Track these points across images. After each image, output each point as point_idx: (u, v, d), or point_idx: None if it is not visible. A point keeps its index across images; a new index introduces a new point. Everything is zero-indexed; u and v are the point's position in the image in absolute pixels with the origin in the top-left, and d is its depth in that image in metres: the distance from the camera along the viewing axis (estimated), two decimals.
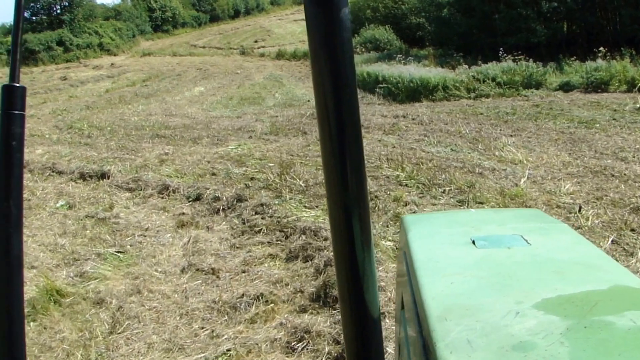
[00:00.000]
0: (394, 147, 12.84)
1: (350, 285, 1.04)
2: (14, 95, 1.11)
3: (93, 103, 26.48)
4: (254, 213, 8.36)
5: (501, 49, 22.26)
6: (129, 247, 7.68)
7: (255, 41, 55.59)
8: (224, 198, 9.19)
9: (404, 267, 2.14)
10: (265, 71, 35.90)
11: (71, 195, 10.75)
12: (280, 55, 42.20)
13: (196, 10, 75.07)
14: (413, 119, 16.26)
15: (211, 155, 13.23)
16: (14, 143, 1.09)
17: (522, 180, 9.37)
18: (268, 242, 7.38)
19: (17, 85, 1.11)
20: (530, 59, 21.07)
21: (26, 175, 12.40)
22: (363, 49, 34.01)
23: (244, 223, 8.15)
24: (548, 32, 24.98)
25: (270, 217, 8.10)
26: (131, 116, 21.98)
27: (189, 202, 9.62)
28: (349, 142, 0.91)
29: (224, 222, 8.37)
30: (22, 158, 1.12)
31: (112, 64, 44.95)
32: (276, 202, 8.67)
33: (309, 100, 23.00)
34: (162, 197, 10.09)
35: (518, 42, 24.21)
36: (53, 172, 12.76)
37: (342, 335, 3.18)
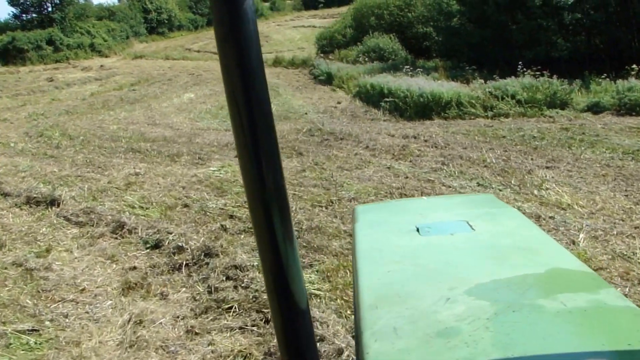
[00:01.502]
0: (407, 177, 10.73)
1: (276, 278, 1.07)
2: None
3: (74, 107, 24.32)
4: (224, 278, 6.15)
5: (520, 62, 20.14)
6: (48, 323, 5.53)
7: None
8: (189, 249, 7.04)
9: (354, 257, 2.18)
10: None
11: (6, 228, 8.63)
12: (277, 62, 39.99)
13: (193, 13, 72.92)
14: (425, 141, 14.13)
15: (188, 179, 11.12)
16: None
17: (580, 236, 7.24)
18: (240, 328, 5.21)
19: None
20: (554, 76, 18.98)
21: None
22: (366, 59, 31.85)
23: (210, 292, 5.95)
24: (570, 46, 22.90)
25: (246, 287, 5.90)
26: (110, 124, 19.82)
27: (146, 249, 7.48)
28: (261, 134, 0.95)
29: (184, 289, 6.19)
30: None
31: (101, 65, 42.75)
32: (256, 264, 6.47)
33: (306, 113, 20.84)
34: (115, 238, 7.96)
35: (537, 56, 22.09)
36: None
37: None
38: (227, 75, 0.93)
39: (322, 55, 38.75)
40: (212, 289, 5.97)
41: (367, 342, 1.36)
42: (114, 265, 7.03)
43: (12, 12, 57.04)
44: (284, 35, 58.84)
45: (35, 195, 10.00)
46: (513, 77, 19.61)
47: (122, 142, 15.84)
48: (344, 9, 56.92)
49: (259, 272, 6.16)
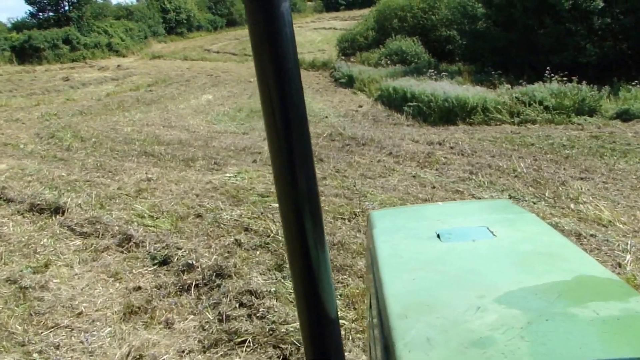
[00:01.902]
0: (434, 187, 10.04)
1: (306, 285, 1.04)
2: None
3: (88, 108, 23.80)
4: (237, 304, 5.46)
5: (548, 68, 19.33)
6: (36, 355, 4.90)
7: None
8: (200, 267, 6.38)
9: (370, 263, 2.20)
10: None
11: (5, 238, 8.03)
12: None
13: (212, 14, 72.51)
14: (451, 148, 13.43)
15: (202, 185, 10.49)
16: None
17: (627, 258, 6.52)
18: None
19: None
20: (583, 81, 18.17)
21: None
22: (388, 62, 31.11)
23: (220, 320, 5.27)
24: (599, 51, 22.03)
25: (262, 318, 5.20)
26: (125, 126, 19.24)
27: (153, 265, 6.83)
28: (296, 138, 0.95)
29: (191, 315, 5.52)
30: None
31: (118, 65, 42.31)
32: (273, 290, 5.78)
33: (326, 117, 20.18)
34: (121, 252, 7.33)
35: (563, 61, 21.25)
36: (0, 199, 10.05)
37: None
38: (263, 78, 0.90)
39: (343, 57, 38.16)
40: (224, 317, 5.28)
41: (401, 353, 1.34)
42: (117, 284, 6.39)
43: (29, 10, 57.04)
44: (305, 37, 58.16)
45: (39, 202, 9.41)
46: (540, 82, 18.86)
47: (136, 145, 15.26)
48: (365, 11, 56.32)
49: (276, 300, 5.48)
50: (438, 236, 2.08)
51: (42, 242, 7.86)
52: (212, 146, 14.94)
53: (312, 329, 1.08)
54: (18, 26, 53.41)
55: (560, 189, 9.65)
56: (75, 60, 46.59)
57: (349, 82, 29.23)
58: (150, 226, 8.29)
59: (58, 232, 8.26)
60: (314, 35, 58.70)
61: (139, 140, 15.94)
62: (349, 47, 39.69)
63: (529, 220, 2.27)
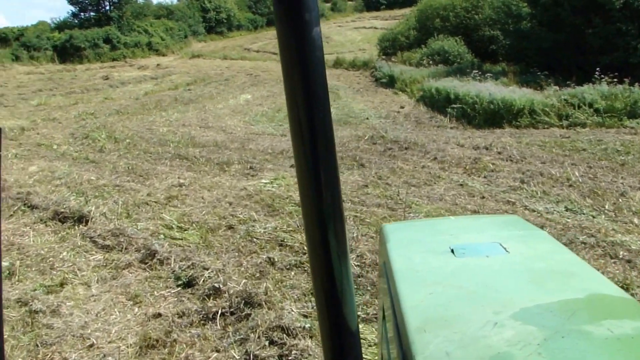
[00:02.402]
0: (483, 197, 9.24)
1: (328, 298, 1.04)
2: None
3: (126, 107, 23.32)
4: (267, 342, 4.73)
5: (598, 69, 18.25)
6: None
7: None
8: (227, 293, 5.66)
9: (384, 276, 2.22)
10: None
11: (23, 250, 7.45)
12: (338, 64, 38.50)
13: (252, 13, 71.91)
14: (499, 153, 12.55)
15: (236, 192, 9.82)
16: None
17: None
18: None
19: None
20: (635, 83, 17.06)
21: None
22: (430, 62, 30.18)
23: None
24: None
25: None
26: (161, 126, 18.67)
27: (177, 287, 6.15)
28: (322, 157, 0.94)
29: (215, 353, 4.76)
30: (0, 194, 1.13)
31: (158, 64, 41.91)
32: (307, 326, 4.99)
33: (367, 118, 19.37)
34: (144, 269, 6.69)
35: (613, 62, 20.11)
36: (25, 205, 9.51)
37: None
38: (292, 99, 0.91)
39: (384, 57, 37.30)
40: (251, 357, 4.57)
41: None
42: (136, 309, 5.72)
43: (71, 10, 57.17)
44: (345, 36, 57.51)
45: (63, 210, 8.83)
46: (589, 84, 17.83)
47: (170, 147, 14.66)
48: (406, 11, 55.55)
49: (311, 339, 4.72)
50: (452, 251, 2.09)
51: (61, 256, 7.25)
52: (249, 149, 14.28)
53: (333, 341, 1.07)
54: (60, 26, 53.49)
55: (621, 200, 8.78)
56: (115, 59, 46.44)
57: (390, 82, 28.40)
58: (178, 239, 7.64)
59: (79, 244, 7.66)
60: (355, 35, 58.01)
61: (173, 142, 15.34)
62: (390, 47, 38.79)
63: (541, 237, 2.29)
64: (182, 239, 7.64)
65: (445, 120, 18.12)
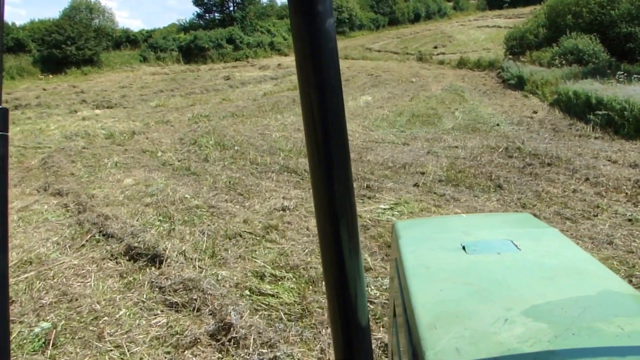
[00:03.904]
0: None
1: (339, 293, 1.02)
2: None
3: (242, 109, 21.74)
4: None
5: None
6: None
7: (435, 47, 49.37)
8: None
9: (395, 273, 2.17)
10: (444, 81, 29.52)
11: (73, 305, 5.65)
12: (461, 64, 35.79)
13: (374, 13, 69.79)
14: None
15: None
16: None
17: None
18: None
19: None
20: None
21: (59, 234, 7.62)
22: (562, 61, 26.99)
23: None
24: None
25: None
26: (274, 130, 16.82)
27: None
28: (335, 151, 0.91)
29: None
30: (6, 179, 1.03)
31: (279, 64, 40.58)
32: None
33: (498, 125, 16.74)
34: (212, 350, 4.65)
35: None
36: (100, 233, 7.79)
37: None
38: (306, 91, 0.88)
39: (510, 56, 34.23)
40: None
41: None
42: None
43: (196, 11, 57.12)
44: (468, 35, 54.53)
45: (137, 245, 7.01)
46: None
47: (280, 157, 12.73)
48: (530, 9, 52.50)
49: None
50: (463, 248, 2.04)
51: (118, 315, 5.39)
52: (367, 160, 12.11)
53: (343, 335, 1.02)
54: (185, 27, 53.41)
55: None
56: (238, 59, 45.75)
57: (519, 83, 25.54)
58: (267, 295, 5.60)
59: (145, 296, 5.77)
60: (478, 34, 55.09)
61: (284, 151, 13.39)
62: (518, 46, 35.58)
63: (552, 235, 2.23)
64: (273, 296, 5.60)
65: (587, 129, 15.20)
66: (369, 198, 9.13)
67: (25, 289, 6.17)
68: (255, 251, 6.85)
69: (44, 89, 31.46)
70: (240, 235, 7.41)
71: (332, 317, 1.04)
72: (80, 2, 45.30)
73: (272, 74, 34.84)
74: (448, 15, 78.44)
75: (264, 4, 59.22)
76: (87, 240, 7.58)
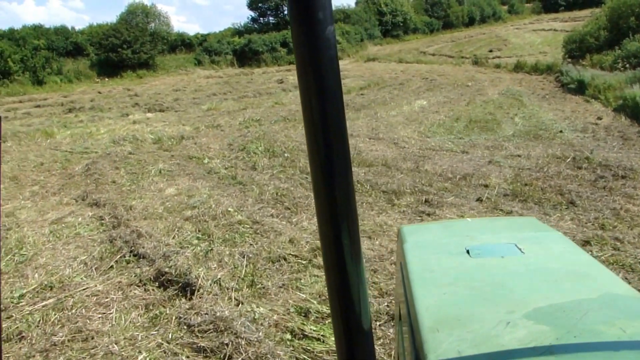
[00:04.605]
0: None
1: (341, 298, 1.02)
2: None
3: (294, 113, 20.79)
4: None
5: None
6: None
7: (490, 50, 47.75)
8: None
9: (400, 277, 2.16)
10: (500, 85, 28.02)
11: (90, 345, 4.77)
12: (518, 67, 34.11)
13: (429, 16, 68.25)
14: None
15: None
16: None
17: None
18: None
19: None
20: None
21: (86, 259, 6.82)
22: (626, 65, 25.29)
23: None
24: None
25: None
26: None
27: None
28: (336, 156, 0.91)
29: None
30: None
31: None
32: None
33: (561, 131, 15.38)
34: None
35: None
36: (131, 253, 6.94)
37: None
38: (306, 98, 0.89)
39: (569, 60, 32.52)
40: None
41: None
42: None
43: (251, 15, 56.63)
44: (523, 39, 52.72)
45: (168, 270, 6.11)
46: None
47: None
48: (586, 12, 50.53)
49: None
50: (467, 252, 2.02)
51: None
52: (424, 170, 11.01)
53: (346, 339, 1.03)
54: (240, 31, 52.90)
55: None
56: (291, 62, 44.95)
57: (579, 88, 23.91)
58: (312, 340, 4.62)
59: (170, 336, 4.86)
60: (533, 37, 53.26)
61: None
62: (577, 49, 33.76)
63: (556, 239, 2.20)
64: (318, 340, 4.62)
65: None
66: (428, 215, 8.08)
67: (40, 321, 5.34)
68: (301, 279, 5.89)
69: (99, 92, 31.22)
70: (285, 259, 6.46)
71: (335, 320, 1.02)
72: (136, 6, 45.30)
73: None
74: (503, 18, 76.41)
75: None
76: (116, 261, 6.73)
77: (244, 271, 6.08)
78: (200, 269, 6.01)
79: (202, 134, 16.98)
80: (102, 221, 8.52)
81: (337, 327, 1.04)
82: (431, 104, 22.33)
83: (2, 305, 5.33)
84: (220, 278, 5.83)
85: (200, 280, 5.74)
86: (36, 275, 6.52)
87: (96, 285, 6.10)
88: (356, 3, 65.61)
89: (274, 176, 11.11)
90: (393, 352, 2.69)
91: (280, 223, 7.98)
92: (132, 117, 21.27)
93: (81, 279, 6.34)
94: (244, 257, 6.45)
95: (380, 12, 60.65)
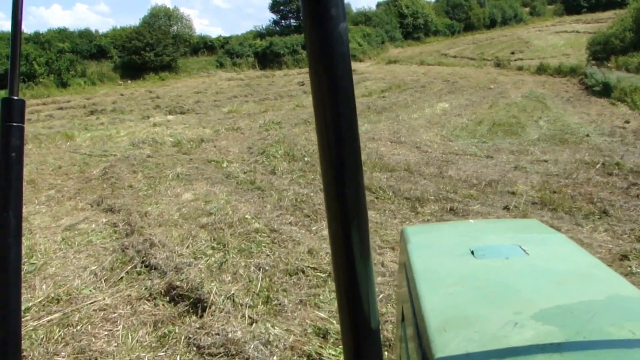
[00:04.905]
0: None
1: (349, 296, 0.98)
2: (13, 108, 1.04)
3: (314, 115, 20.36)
4: None
5: None
6: None
7: (512, 53, 47.00)
8: None
9: (404, 278, 2.13)
10: (523, 87, 27.41)
11: None
12: (541, 70, 33.42)
13: (450, 19, 67.52)
14: None
15: None
16: (13, 155, 1.03)
17: None
18: None
19: (16, 98, 1.04)
20: None
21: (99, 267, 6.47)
22: None
23: None
24: None
25: None
26: None
27: None
28: (347, 154, 0.89)
29: None
30: (22, 169, 1.03)
31: (353, 70, 38.94)
32: None
33: (587, 135, 14.79)
34: None
35: None
36: (143, 264, 6.58)
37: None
38: (318, 95, 0.85)
39: (594, 62, 31.81)
40: None
41: None
42: None
43: (273, 18, 56.37)
44: (546, 41, 51.82)
45: (179, 284, 5.73)
46: None
47: None
48: (609, 14, 49.68)
49: None
50: (472, 253, 1.99)
51: None
52: (448, 176, 10.55)
53: (354, 338, 0.98)
54: (262, 34, 52.67)
55: None
56: None
57: (605, 90, 23.28)
58: None
59: (178, 358, 4.46)
60: (556, 39, 52.32)
61: None
62: (601, 51, 33.05)
63: (560, 240, 2.16)
64: None
65: None
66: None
67: (43, 338, 4.97)
68: (319, 295, 5.47)
69: (122, 94, 31.05)
70: (303, 272, 6.05)
71: (342, 319, 0.99)
72: (159, 9, 45.20)
73: None
74: (524, 20, 75.38)
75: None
76: (127, 272, 6.37)
77: (259, 285, 5.68)
78: (212, 284, 5.62)
79: (222, 137, 16.63)
80: (116, 228, 8.17)
81: (344, 326, 1.01)
82: (453, 107, 21.82)
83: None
84: (233, 294, 5.43)
85: (212, 295, 5.34)
86: (44, 286, 6.18)
87: (104, 299, 5.74)
88: (377, 5, 65.15)
89: (293, 181, 10.71)
90: (395, 353, 2.58)
91: (299, 232, 7.58)
92: (152, 120, 21.00)
93: (90, 291, 5.99)
94: (259, 270, 6.06)
95: (401, 15, 60.10)
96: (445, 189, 9.48)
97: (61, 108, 26.17)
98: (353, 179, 0.89)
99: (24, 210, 9.44)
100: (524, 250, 1.97)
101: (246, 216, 8.29)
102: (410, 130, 16.84)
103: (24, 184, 10.53)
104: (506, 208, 8.35)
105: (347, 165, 0.88)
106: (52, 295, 5.89)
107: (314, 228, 7.73)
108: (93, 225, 8.39)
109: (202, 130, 17.93)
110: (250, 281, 5.81)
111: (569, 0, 74.87)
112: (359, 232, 0.92)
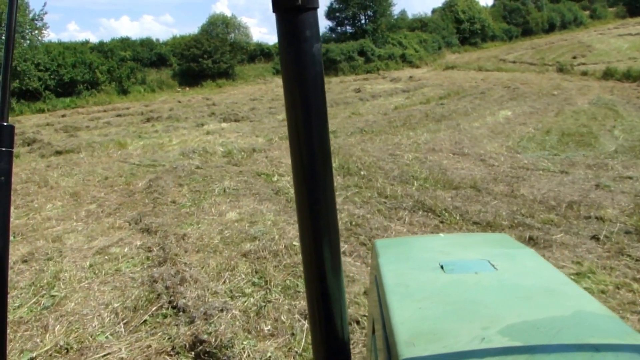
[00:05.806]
0: None
1: (320, 309, 1.05)
2: (2, 133, 1.02)
3: (371, 124, 19.12)
4: None
5: None
6: None
7: (574, 57, 44.75)
8: None
9: (374, 291, 2.07)
10: (589, 93, 25.51)
11: None
12: (608, 75, 31.35)
13: (507, 23, 65.35)
14: None
15: None
16: (2, 179, 1.00)
17: None
18: None
19: (5, 124, 1.03)
20: None
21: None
22: None
23: None
24: None
25: None
26: (406, 151, 14.04)
27: None
28: (320, 170, 0.95)
29: None
30: (10, 194, 1.01)
31: (410, 76, 37.67)
32: None
33: None
34: None
35: None
36: (170, 305, 5.50)
37: None
38: (291, 113, 0.90)
39: None
40: None
41: None
42: None
43: (329, 25, 55.35)
44: (609, 44, 49.40)
45: (206, 337, 4.61)
46: None
47: (413, 187, 10.06)
48: None
49: None
50: (442, 267, 1.95)
51: None
52: (521, 195, 9.17)
53: (324, 348, 1.02)
54: None
55: None
56: (369, 71, 43.54)
57: None
58: None
59: None
60: (620, 43, 49.86)
61: (418, 179, 10.66)
62: None
63: (528, 256, 2.14)
64: None
65: None
66: None
67: None
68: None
69: (179, 102, 30.50)
70: (358, 323, 4.86)
71: (313, 330, 1.03)
72: (217, 17, 44.75)
73: (403, 87, 32.13)
74: (584, 24, 72.56)
75: (396, 17, 56.56)
76: (150, 315, 5.29)
77: (302, 342, 4.51)
78: (246, 342, 4.47)
79: (275, 147, 15.57)
80: (149, 254, 7.14)
81: (315, 335, 1.04)
82: (516, 115, 20.25)
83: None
84: (270, 357, 4.27)
85: (236, 352, 4.20)
86: (57, 328, 5.17)
87: (120, 350, 4.67)
88: (433, 11, 63.46)
89: (348, 199, 9.52)
90: None
91: (353, 264, 6.40)
92: (206, 127, 20.14)
93: (105, 338, 4.94)
94: (304, 318, 4.89)
95: (457, 20, 58.44)
96: (520, 212, 8.14)
97: (119, 115, 25.73)
98: (325, 196, 0.95)
99: (60, 227, 8.50)
100: (493, 265, 1.93)
101: (294, 243, 7.14)
102: (473, 140, 15.43)
103: (67, 196, 9.55)
104: (595, 238, 6.97)
105: (319, 183, 0.94)
106: (62, 343, 4.86)
107: (368, 261, 6.54)
108: (126, 249, 7.39)
109: (254, 139, 16.92)
110: (293, 334, 4.65)
111: (632, 2, 71.73)
112: (330, 247, 1.00)
